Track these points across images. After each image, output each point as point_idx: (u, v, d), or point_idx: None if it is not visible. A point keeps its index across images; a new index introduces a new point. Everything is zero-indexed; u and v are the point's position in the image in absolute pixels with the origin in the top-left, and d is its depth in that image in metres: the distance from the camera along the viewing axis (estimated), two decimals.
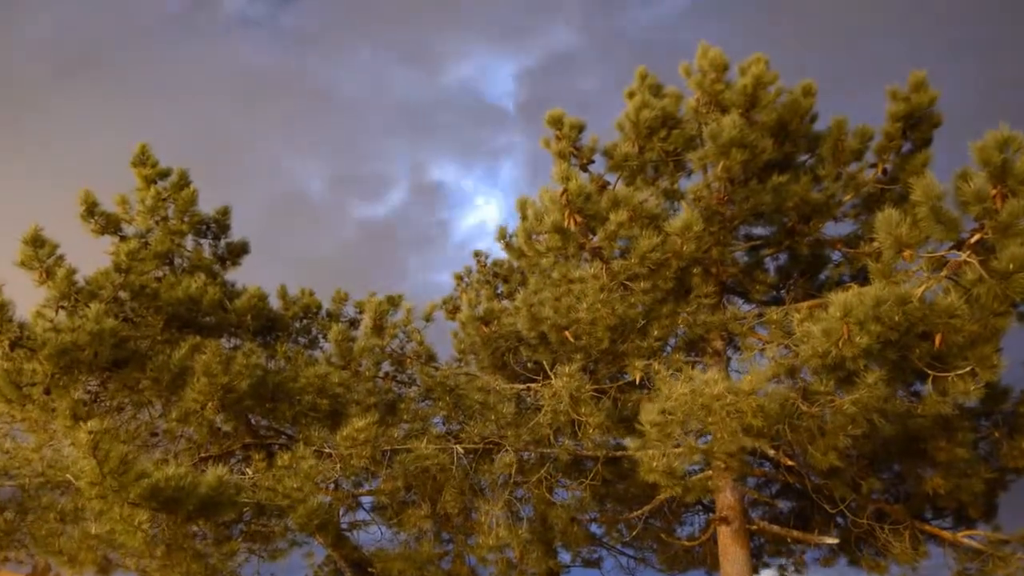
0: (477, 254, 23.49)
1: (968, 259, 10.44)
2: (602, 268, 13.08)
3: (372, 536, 15.99)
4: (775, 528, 15.39)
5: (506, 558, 14.50)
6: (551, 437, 14.18)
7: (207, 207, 16.06)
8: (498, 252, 22.78)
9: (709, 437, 12.18)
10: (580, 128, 14.64)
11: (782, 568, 18.69)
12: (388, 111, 70.09)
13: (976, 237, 10.29)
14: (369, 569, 15.00)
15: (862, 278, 13.67)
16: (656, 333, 13.76)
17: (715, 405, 10.95)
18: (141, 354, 13.22)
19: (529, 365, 14.97)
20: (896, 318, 10.42)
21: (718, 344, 14.88)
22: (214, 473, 10.96)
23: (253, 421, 15.11)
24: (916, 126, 14.63)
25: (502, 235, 16.70)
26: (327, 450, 13.11)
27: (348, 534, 16.16)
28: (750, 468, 15.62)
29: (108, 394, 14.03)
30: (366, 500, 16.04)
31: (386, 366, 15.70)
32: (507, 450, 13.95)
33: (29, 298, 12.59)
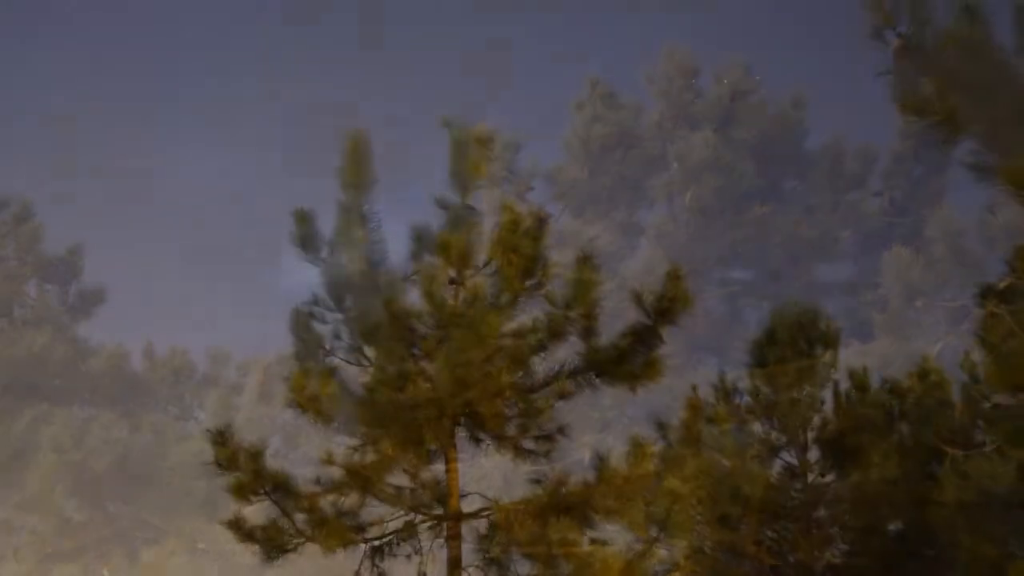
0: None
1: (996, 309, 10.18)
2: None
3: None
4: None
5: None
6: None
7: (58, 244, 15.96)
8: None
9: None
10: (514, 147, 14.52)
11: None
12: None
13: (1006, 282, 10.13)
14: None
15: (864, 332, 13.67)
16: (609, 400, 13.40)
17: (683, 489, 10.85)
18: None
19: None
20: (907, 382, 10.49)
21: (686, 414, 14.58)
22: (64, 573, 10.72)
23: (112, 509, 14.85)
24: (932, 145, 14.57)
25: None
26: (201, 546, 12.76)
27: None
28: (725, 568, 15.31)
29: None
30: None
31: (276, 441, 15.35)
32: None
33: None
